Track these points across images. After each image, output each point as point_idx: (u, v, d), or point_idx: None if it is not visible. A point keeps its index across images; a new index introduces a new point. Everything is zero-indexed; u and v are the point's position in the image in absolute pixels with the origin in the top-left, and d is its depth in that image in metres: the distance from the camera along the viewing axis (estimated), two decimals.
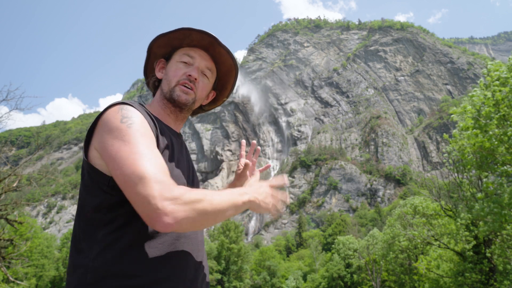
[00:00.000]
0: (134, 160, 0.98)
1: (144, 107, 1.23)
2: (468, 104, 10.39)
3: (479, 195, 11.02)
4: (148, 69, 1.40)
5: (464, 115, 10.78)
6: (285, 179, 1.20)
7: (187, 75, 1.25)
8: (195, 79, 1.25)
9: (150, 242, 1.05)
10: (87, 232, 1.07)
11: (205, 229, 1.14)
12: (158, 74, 1.34)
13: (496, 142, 9.07)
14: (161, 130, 1.19)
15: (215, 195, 1.00)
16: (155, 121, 1.18)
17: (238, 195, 1.05)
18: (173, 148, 1.20)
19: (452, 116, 11.71)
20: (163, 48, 1.32)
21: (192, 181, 1.28)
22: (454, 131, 11.21)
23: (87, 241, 1.06)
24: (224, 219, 1.02)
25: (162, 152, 1.14)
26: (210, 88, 1.36)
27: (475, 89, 10.42)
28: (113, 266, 1.01)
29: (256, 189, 1.12)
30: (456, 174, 15.53)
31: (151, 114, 1.21)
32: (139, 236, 1.05)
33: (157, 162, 1.01)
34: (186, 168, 1.25)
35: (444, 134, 13.04)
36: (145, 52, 1.34)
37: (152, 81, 1.36)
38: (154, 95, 1.36)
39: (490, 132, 9.13)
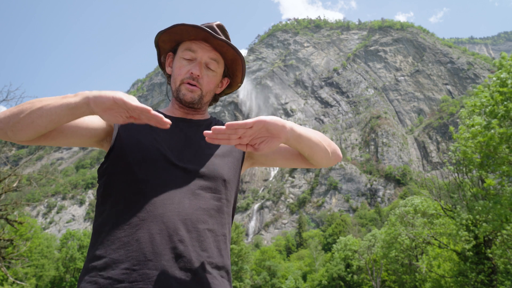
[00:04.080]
0: None
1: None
2: (477, 100, 10.44)
3: (479, 190, 11.04)
4: (162, 64, 1.41)
5: (471, 110, 10.85)
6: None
7: (190, 73, 1.24)
8: (198, 75, 1.24)
9: (116, 224, 1.06)
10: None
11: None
12: (168, 70, 1.36)
13: (498, 141, 9.08)
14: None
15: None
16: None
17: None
18: (144, 125, 1.20)
19: (461, 111, 11.74)
20: (168, 42, 1.32)
21: (180, 158, 1.18)
22: (460, 126, 11.21)
23: (92, 231, 1.15)
24: (52, 115, 0.97)
25: (124, 130, 1.18)
26: (219, 79, 1.33)
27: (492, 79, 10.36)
28: (89, 252, 1.08)
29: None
30: (456, 174, 15.52)
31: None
32: (108, 217, 1.08)
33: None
34: (174, 143, 1.21)
35: (450, 126, 13.07)
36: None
37: (166, 77, 1.39)
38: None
39: (492, 131, 9.14)
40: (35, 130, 0.99)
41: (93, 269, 1.02)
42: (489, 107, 9.44)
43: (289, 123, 1.08)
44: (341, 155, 1.30)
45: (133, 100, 0.93)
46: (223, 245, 1.16)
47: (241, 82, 1.41)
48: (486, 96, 9.89)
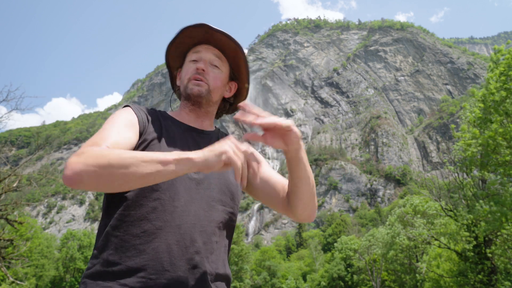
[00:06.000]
0: (90, 139, 1.05)
1: (155, 109, 1.32)
2: (477, 96, 10.46)
3: (481, 192, 11.03)
4: (174, 84, 1.45)
5: (472, 108, 10.86)
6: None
7: (195, 69, 1.28)
8: (203, 70, 1.28)
9: (129, 230, 1.06)
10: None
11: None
12: (178, 82, 1.39)
13: (499, 139, 9.09)
14: (158, 122, 1.24)
15: (137, 153, 0.95)
16: (153, 116, 1.25)
17: (175, 153, 0.95)
18: (167, 137, 1.20)
19: (464, 103, 11.78)
20: (177, 58, 1.38)
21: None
22: (462, 125, 11.23)
23: (97, 234, 1.14)
24: (144, 176, 0.92)
25: (150, 140, 1.16)
26: (226, 78, 1.35)
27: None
28: (98, 254, 1.06)
29: (209, 148, 0.98)
30: (456, 174, 15.50)
31: (158, 111, 1.31)
32: (120, 221, 1.07)
33: (105, 134, 1.05)
34: None
35: (452, 124, 13.10)
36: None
37: (177, 92, 1.42)
38: None
39: (494, 127, 9.15)
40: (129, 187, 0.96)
41: (106, 275, 1.01)
42: (493, 103, 9.44)
43: (302, 144, 1.13)
44: (315, 215, 1.28)
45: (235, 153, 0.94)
46: (226, 255, 1.20)
47: (248, 82, 1.43)
48: (492, 90, 9.89)
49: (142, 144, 1.15)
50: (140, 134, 1.16)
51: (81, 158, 0.92)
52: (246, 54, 1.36)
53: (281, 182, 1.31)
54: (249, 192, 1.37)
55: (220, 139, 1.26)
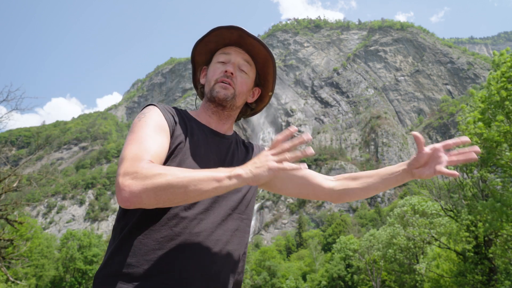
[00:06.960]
0: (127, 145, 1.05)
1: (179, 110, 1.31)
2: (477, 98, 10.49)
3: (483, 185, 11.04)
4: (196, 80, 1.44)
5: (472, 107, 10.89)
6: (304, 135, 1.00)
7: (224, 72, 1.27)
8: (232, 73, 1.27)
9: (149, 234, 1.06)
10: (114, 225, 1.18)
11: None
12: (202, 81, 1.39)
13: (501, 138, 9.10)
14: (184, 124, 1.23)
15: (189, 170, 0.98)
16: (178, 117, 1.24)
17: (222, 170, 0.99)
18: (192, 141, 1.20)
19: (461, 105, 11.80)
20: (204, 55, 1.37)
21: None
22: (469, 119, 11.25)
23: (113, 231, 1.16)
24: (203, 193, 0.96)
25: (177, 143, 1.16)
26: (251, 83, 1.35)
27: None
28: (115, 255, 1.06)
29: (252, 161, 1.01)
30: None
31: (182, 112, 1.30)
32: (138, 223, 1.08)
33: (145, 145, 1.05)
34: (212, 164, 1.20)
35: (458, 116, 13.12)
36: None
37: (200, 90, 1.41)
38: None
39: (495, 128, 9.17)
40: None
41: (122, 276, 1.01)
42: (495, 103, 9.46)
43: None
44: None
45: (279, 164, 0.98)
46: (242, 263, 1.22)
47: (272, 91, 1.42)
48: (493, 91, 9.91)
49: (170, 148, 1.15)
50: (170, 137, 1.18)
51: (137, 180, 0.93)
52: (275, 61, 1.36)
53: (318, 175, 1.41)
54: (279, 188, 1.41)
55: (238, 144, 1.35)
